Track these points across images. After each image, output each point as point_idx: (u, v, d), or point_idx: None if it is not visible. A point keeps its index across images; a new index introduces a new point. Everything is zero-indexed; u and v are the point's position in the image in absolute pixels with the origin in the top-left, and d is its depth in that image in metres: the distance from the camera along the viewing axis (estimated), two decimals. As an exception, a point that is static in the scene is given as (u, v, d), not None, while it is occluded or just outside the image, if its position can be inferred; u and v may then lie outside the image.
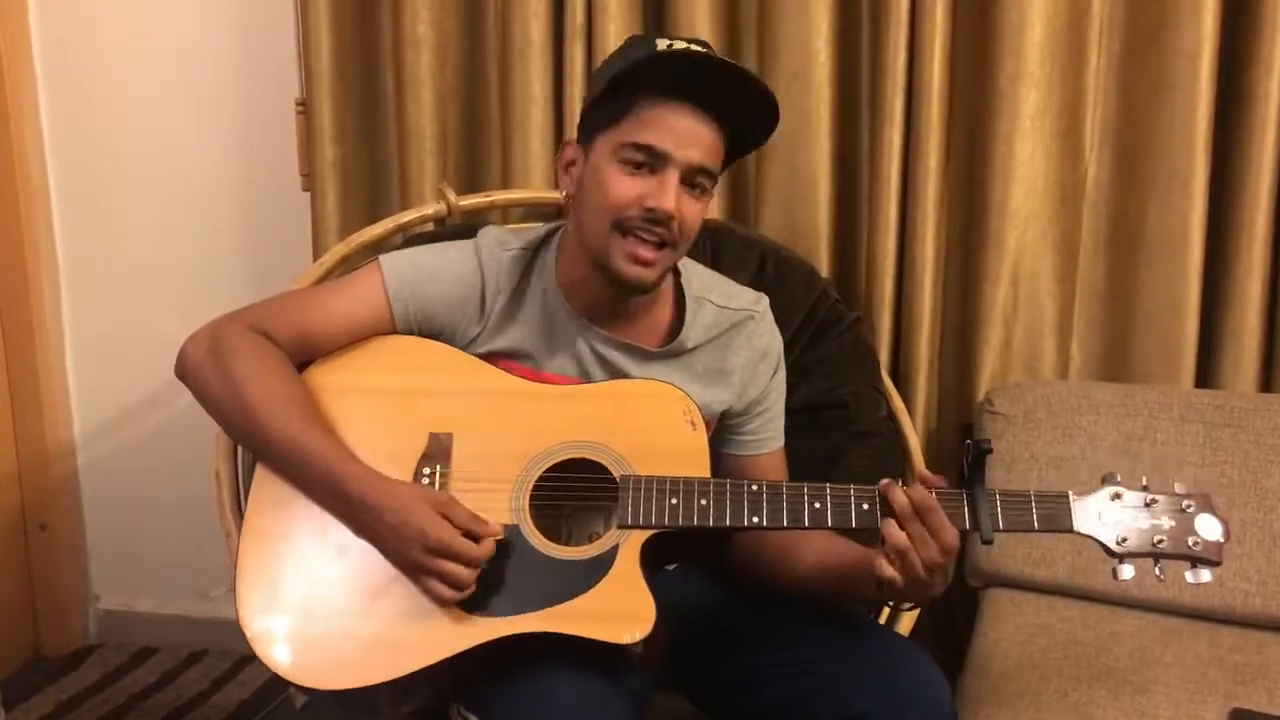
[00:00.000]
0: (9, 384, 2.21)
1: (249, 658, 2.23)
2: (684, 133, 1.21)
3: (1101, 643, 1.54)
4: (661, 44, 1.21)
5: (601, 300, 1.31)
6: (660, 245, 1.24)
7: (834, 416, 1.68)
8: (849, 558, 1.23)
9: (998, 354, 1.84)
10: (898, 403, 1.76)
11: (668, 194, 1.21)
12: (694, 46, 1.22)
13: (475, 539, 1.14)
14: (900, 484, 1.15)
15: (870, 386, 1.72)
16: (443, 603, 1.14)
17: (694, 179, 1.23)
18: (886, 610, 1.57)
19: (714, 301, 1.37)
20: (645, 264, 1.24)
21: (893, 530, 1.12)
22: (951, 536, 1.12)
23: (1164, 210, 1.75)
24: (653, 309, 1.35)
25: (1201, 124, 1.70)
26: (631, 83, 1.21)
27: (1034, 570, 1.67)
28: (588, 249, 1.27)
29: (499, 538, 1.16)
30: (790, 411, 1.46)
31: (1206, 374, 1.80)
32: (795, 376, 1.52)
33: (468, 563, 1.13)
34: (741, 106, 1.24)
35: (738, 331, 1.38)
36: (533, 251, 1.35)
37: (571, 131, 1.50)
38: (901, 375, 1.84)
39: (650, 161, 1.21)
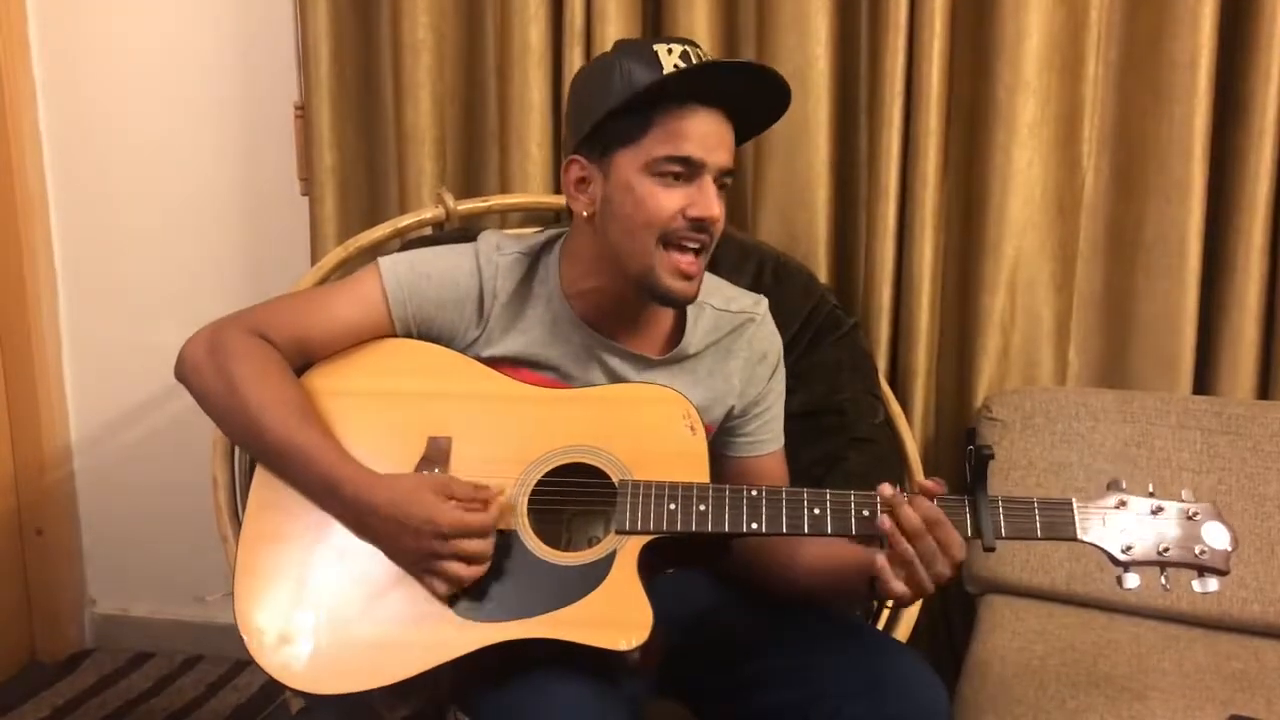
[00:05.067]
0: (6, 390, 2.20)
1: (245, 663, 2.26)
2: (711, 137, 1.22)
3: (1099, 649, 1.54)
4: (660, 48, 1.21)
5: (607, 309, 1.31)
6: (698, 252, 1.25)
7: (831, 422, 1.68)
8: (848, 560, 1.23)
9: (995, 361, 1.84)
10: (895, 409, 1.76)
11: (711, 200, 1.22)
12: (690, 49, 1.22)
13: (481, 508, 1.15)
14: (903, 492, 1.14)
15: (868, 392, 1.73)
16: (461, 585, 1.14)
17: (721, 180, 1.24)
18: (884, 615, 1.57)
19: (714, 305, 1.37)
20: (689, 277, 1.25)
21: (900, 545, 1.11)
22: (959, 550, 1.12)
23: (1162, 219, 1.75)
24: (656, 316, 1.35)
25: (1199, 133, 1.70)
26: (650, 97, 1.21)
27: (1032, 577, 1.67)
28: (623, 268, 1.26)
29: (503, 498, 1.17)
30: (788, 417, 1.46)
31: (1204, 381, 1.80)
32: (793, 382, 1.52)
33: (480, 534, 1.14)
34: (753, 98, 1.25)
35: (738, 334, 1.38)
36: (533, 257, 1.35)
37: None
38: (899, 381, 1.84)
39: (686, 172, 1.21)
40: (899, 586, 1.12)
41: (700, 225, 1.22)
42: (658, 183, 1.21)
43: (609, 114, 1.22)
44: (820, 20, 1.77)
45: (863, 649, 1.26)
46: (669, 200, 1.21)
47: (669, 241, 1.23)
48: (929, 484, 1.14)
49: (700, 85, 1.21)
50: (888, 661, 1.22)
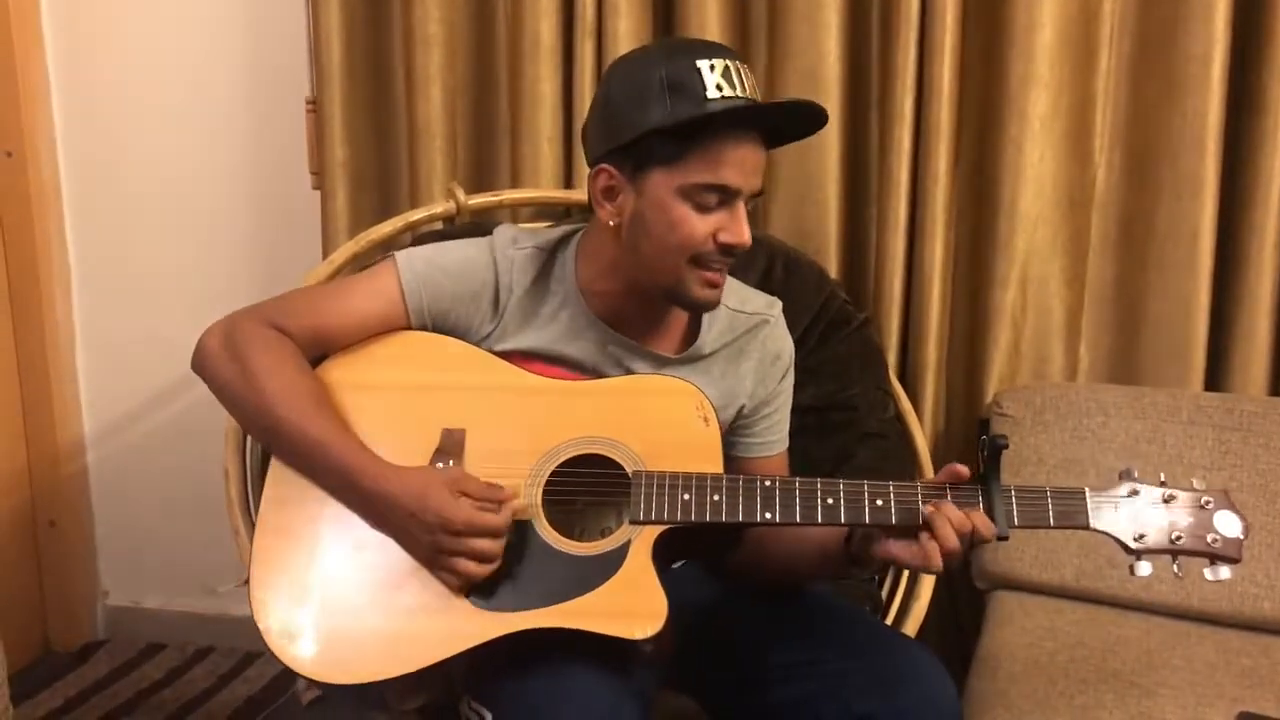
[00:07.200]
0: (20, 383, 2.22)
1: (256, 654, 2.27)
2: (750, 165, 1.22)
3: (1108, 646, 1.54)
4: (703, 65, 1.18)
5: (624, 308, 1.31)
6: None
7: (842, 418, 1.68)
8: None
9: (1006, 356, 1.83)
10: (906, 404, 1.77)
11: (743, 227, 1.22)
12: (732, 63, 1.20)
13: (493, 508, 1.16)
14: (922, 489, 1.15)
15: (878, 388, 1.73)
16: (470, 582, 1.15)
17: (749, 200, 1.24)
18: (893, 610, 1.57)
19: (729, 306, 1.37)
20: (716, 286, 1.26)
21: (931, 547, 1.12)
22: (987, 533, 1.12)
23: (1174, 213, 1.75)
24: (672, 316, 1.35)
25: (1212, 127, 1.69)
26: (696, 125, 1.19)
27: (1041, 573, 1.67)
28: (650, 278, 1.26)
29: (516, 504, 1.18)
30: (798, 412, 1.46)
31: (1216, 377, 1.80)
32: (803, 377, 1.52)
33: (491, 534, 1.15)
34: (790, 121, 1.25)
35: (752, 336, 1.38)
36: (548, 253, 1.35)
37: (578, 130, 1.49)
38: (910, 377, 1.84)
39: (721, 198, 1.21)
40: (914, 562, 1.14)
41: (729, 250, 1.23)
42: (692, 207, 1.21)
43: (647, 133, 1.19)
44: (831, 14, 1.77)
45: (872, 644, 1.26)
46: (703, 225, 1.21)
47: (699, 262, 1.23)
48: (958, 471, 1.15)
49: (749, 119, 1.21)
50: (897, 656, 1.23)
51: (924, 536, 1.12)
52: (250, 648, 2.29)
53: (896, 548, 1.14)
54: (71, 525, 2.31)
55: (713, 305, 1.29)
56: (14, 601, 2.23)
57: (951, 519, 1.11)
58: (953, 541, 1.11)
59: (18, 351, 2.21)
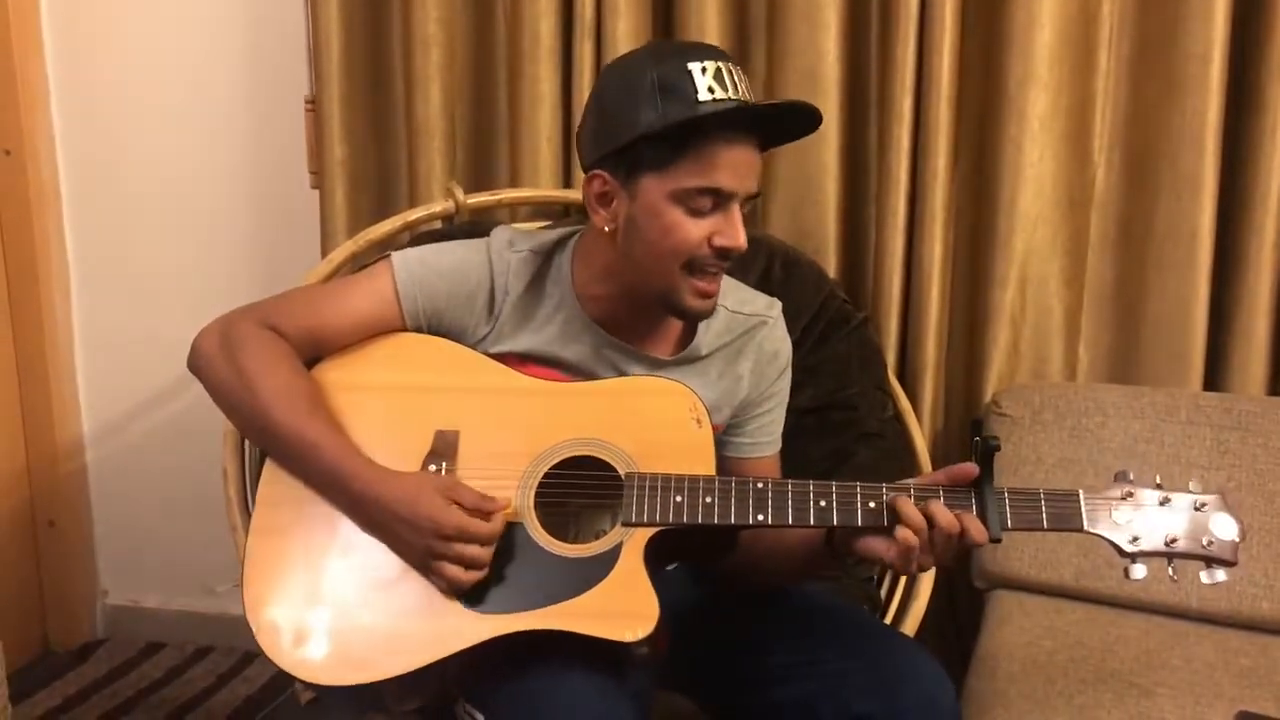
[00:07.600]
0: (19, 383, 2.22)
1: (255, 654, 2.26)
2: (744, 167, 1.21)
3: (1107, 646, 1.54)
4: (694, 67, 1.18)
5: (620, 312, 1.31)
6: (717, 273, 1.25)
7: (841, 417, 1.68)
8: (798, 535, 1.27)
9: (1005, 355, 1.83)
10: (905, 404, 1.76)
11: (738, 231, 1.21)
12: (724, 65, 1.19)
13: (484, 517, 1.16)
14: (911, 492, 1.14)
15: (877, 387, 1.73)
16: (459, 588, 1.15)
17: (744, 202, 1.23)
18: (892, 610, 1.57)
19: (727, 307, 1.36)
20: (709, 296, 1.25)
21: (906, 536, 1.11)
22: (979, 537, 1.11)
23: (1173, 213, 1.75)
24: (668, 319, 1.34)
25: (1211, 127, 1.69)
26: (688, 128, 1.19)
27: (1040, 573, 1.67)
28: (645, 284, 1.26)
29: (507, 511, 1.18)
30: (798, 412, 1.46)
31: (1215, 377, 1.79)
32: (802, 376, 1.52)
33: (481, 541, 1.14)
34: (785, 121, 1.24)
35: (749, 337, 1.38)
36: (544, 256, 1.34)
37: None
38: (909, 376, 1.84)
39: (715, 201, 1.20)
40: (898, 563, 1.13)
41: (724, 254, 1.22)
42: (685, 212, 1.20)
43: (639, 138, 1.19)
44: (830, 13, 1.76)
45: (871, 644, 1.26)
46: (697, 230, 1.20)
47: (693, 267, 1.23)
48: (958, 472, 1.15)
49: (743, 121, 1.20)
50: (896, 656, 1.23)
51: (905, 533, 1.11)
52: (249, 647, 2.25)
53: (880, 544, 1.14)
54: (71, 525, 2.31)
55: (705, 315, 1.28)
56: (13, 601, 2.24)
57: (941, 521, 1.11)
58: (918, 520, 1.10)
59: (17, 351, 2.21)
